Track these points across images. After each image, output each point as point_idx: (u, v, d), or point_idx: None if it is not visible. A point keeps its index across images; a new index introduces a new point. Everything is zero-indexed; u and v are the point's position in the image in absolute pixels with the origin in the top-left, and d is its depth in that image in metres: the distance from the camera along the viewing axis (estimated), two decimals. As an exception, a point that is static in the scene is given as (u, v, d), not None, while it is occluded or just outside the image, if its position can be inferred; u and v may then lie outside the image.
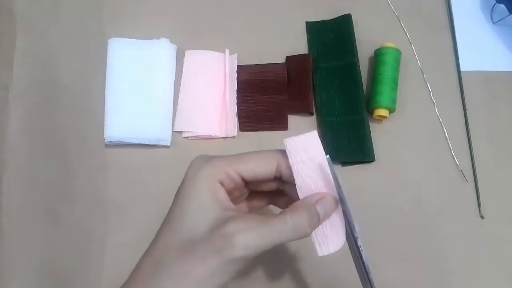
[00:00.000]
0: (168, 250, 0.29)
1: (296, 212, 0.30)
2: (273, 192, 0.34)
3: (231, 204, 0.31)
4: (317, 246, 0.31)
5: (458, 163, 0.47)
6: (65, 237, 0.44)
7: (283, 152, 0.31)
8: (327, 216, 0.31)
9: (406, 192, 0.46)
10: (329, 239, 0.31)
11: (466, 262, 0.44)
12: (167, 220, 0.31)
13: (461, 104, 0.49)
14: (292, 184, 0.31)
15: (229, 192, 0.31)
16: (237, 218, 0.29)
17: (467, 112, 0.49)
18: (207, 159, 0.32)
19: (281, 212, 0.30)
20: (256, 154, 0.32)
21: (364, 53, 0.50)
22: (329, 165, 0.31)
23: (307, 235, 0.30)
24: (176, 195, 0.32)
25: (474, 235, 0.45)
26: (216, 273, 0.28)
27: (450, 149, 0.48)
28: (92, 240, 0.44)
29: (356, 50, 0.49)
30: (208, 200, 0.30)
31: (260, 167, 0.31)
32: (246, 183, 0.32)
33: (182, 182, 0.32)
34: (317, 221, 0.30)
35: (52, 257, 0.44)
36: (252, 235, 0.28)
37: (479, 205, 0.46)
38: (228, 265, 0.28)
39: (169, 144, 0.47)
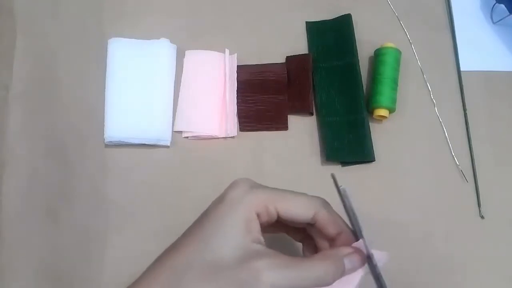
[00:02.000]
0: (191, 268, 0.28)
1: (325, 261, 0.30)
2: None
3: (261, 238, 0.30)
4: None
5: (458, 163, 0.47)
6: (65, 237, 0.44)
7: (324, 202, 0.32)
8: (352, 271, 0.31)
9: (406, 192, 0.46)
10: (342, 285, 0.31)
11: (466, 262, 0.44)
12: (194, 234, 0.30)
13: (461, 104, 0.49)
14: (322, 232, 0.32)
15: (264, 223, 0.31)
16: (267, 254, 0.29)
17: (467, 112, 0.49)
18: (252, 185, 0.31)
19: (310, 258, 0.31)
20: (299, 197, 0.32)
21: (364, 53, 0.50)
22: (344, 197, 0.31)
23: (328, 285, 0.30)
24: (210, 212, 0.31)
25: (474, 235, 0.45)
26: None
27: (450, 149, 0.48)
28: (92, 240, 0.44)
29: (356, 50, 0.49)
30: (242, 229, 0.29)
31: (299, 210, 0.31)
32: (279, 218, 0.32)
33: (221, 201, 0.31)
34: (341, 274, 0.30)
35: (52, 257, 0.44)
36: (280, 275, 0.28)
37: (479, 205, 0.46)
38: None
39: (169, 144, 0.47)
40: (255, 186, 0.31)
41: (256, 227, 0.30)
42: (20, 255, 0.44)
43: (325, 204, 0.32)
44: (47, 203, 0.45)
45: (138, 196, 0.46)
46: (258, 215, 0.30)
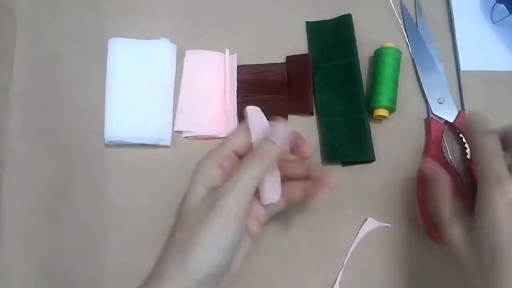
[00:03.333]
0: (181, 230, 0.35)
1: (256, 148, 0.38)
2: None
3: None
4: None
5: (456, 163, 0.47)
6: (65, 237, 0.44)
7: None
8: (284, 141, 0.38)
9: (406, 192, 0.46)
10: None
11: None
12: (179, 214, 0.37)
13: (460, 104, 0.49)
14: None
15: (233, 168, 0.37)
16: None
17: (466, 112, 0.49)
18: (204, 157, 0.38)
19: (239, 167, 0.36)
20: (239, 128, 0.40)
21: (364, 53, 0.50)
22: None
23: (276, 156, 0.37)
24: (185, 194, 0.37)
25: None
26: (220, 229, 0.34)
27: (448, 150, 0.48)
28: (92, 240, 0.44)
29: (356, 50, 0.49)
30: (204, 185, 0.36)
31: (243, 138, 0.38)
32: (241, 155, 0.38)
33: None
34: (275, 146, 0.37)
35: (52, 257, 0.44)
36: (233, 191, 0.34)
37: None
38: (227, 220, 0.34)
39: (169, 144, 0.47)
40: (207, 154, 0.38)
41: (216, 172, 0.37)
42: (20, 255, 0.44)
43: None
44: (47, 203, 0.45)
45: (138, 196, 0.46)
46: (219, 164, 0.37)
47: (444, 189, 0.40)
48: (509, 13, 0.50)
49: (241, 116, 0.48)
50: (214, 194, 0.35)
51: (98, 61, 0.49)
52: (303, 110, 0.48)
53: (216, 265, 0.33)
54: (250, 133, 0.38)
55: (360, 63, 0.49)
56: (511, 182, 0.35)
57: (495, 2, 0.52)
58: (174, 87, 0.49)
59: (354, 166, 0.47)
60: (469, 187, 0.46)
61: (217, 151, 0.38)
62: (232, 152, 0.38)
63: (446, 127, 0.48)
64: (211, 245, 0.33)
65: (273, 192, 0.38)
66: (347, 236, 0.45)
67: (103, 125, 0.47)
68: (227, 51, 0.50)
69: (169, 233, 0.37)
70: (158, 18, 0.52)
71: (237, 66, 0.49)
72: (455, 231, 0.37)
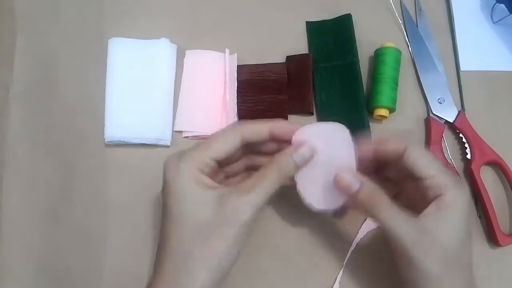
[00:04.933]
0: (184, 242, 0.33)
1: (274, 159, 0.36)
2: None
3: (215, 184, 0.35)
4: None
5: (455, 164, 0.47)
6: (65, 237, 0.44)
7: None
8: (303, 162, 0.36)
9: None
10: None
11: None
12: (170, 221, 0.34)
13: (460, 104, 0.49)
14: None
15: (211, 176, 0.35)
16: (230, 191, 0.34)
17: (466, 112, 0.49)
18: (180, 156, 0.35)
19: (259, 171, 0.35)
20: (220, 134, 0.36)
21: (364, 53, 0.50)
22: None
23: (292, 171, 0.36)
24: (166, 199, 0.35)
25: (474, 233, 0.45)
26: (233, 243, 0.32)
27: (448, 150, 0.48)
28: (92, 240, 0.44)
29: (356, 50, 0.49)
30: (199, 191, 0.34)
31: (226, 145, 0.35)
32: (220, 163, 0.36)
33: (167, 186, 0.35)
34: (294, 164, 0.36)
35: (52, 256, 0.44)
36: (248, 198, 0.33)
37: (477, 204, 0.46)
38: (241, 231, 0.32)
39: (169, 144, 0.47)
40: (183, 155, 0.35)
41: (207, 180, 0.34)
42: (20, 255, 0.44)
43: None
44: (47, 203, 0.45)
45: (138, 196, 0.46)
46: (202, 171, 0.34)
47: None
48: (509, 13, 0.50)
49: (241, 116, 0.49)
50: (225, 202, 0.33)
51: (98, 61, 0.49)
52: (303, 110, 0.48)
53: (226, 274, 0.33)
54: (237, 139, 0.36)
55: (360, 63, 0.49)
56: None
57: (495, 2, 0.52)
58: (174, 87, 0.49)
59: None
60: (470, 187, 0.46)
61: (198, 156, 0.35)
62: (213, 160, 0.35)
63: (446, 127, 0.48)
64: (224, 259, 0.32)
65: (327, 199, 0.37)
66: (347, 236, 0.45)
67: (103, 125, 0.47)
68: (227, 51, 0.50)
69: (161, 227, 0.35)
70: (158, 18, 0.52)
71: (237, 66, 0.49)
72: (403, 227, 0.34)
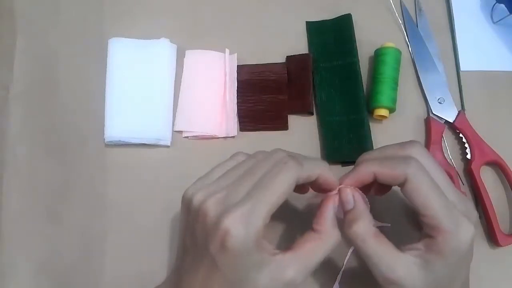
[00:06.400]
0: None
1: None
2: None
3: (276, 250, 0.32)
4: None
5: (455, 164, 0.47)
6: (65, 237, 0.44)
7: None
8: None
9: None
10: None
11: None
12: (217, 276, 0.31)
13: (460, 104, 0.49)
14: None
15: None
16: (289, 261, 0.32)
17: (466, 112, 0.49)
18: (244, 212, 0.30)
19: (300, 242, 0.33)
20: (277, 177, 0.32)
21: (364, 53, 0.50)
22: None
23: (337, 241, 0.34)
24: (219, 254, 0.30)
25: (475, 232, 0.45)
26: None
27: (448, 150, 0.48)
28: (92, 240, 0.44)
29: (356, 50, 0.49)
30: (261, 259, 0.31)
31: (284, 195, 0.32)
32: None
33: (226, 244, 0.29)
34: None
35: (52, 257, 0.44)
36: (306, 270, 0.32)
37: (477, 204, 0.46)
38: None
39: (169, 144, 0.47)
40: (249, 216, 0.30)
41: (267, 245, 0.32)
42: (20, 255, 0.44)
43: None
44: (47, 203, 0.45)
45: (138, 196, 0.46)
46: (263, 231, 0.31)
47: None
48: (509, 13, 0.50)
49: (241, 116, 0.49)
50: (284, 272, 0.31)
51: (98, 61, 0.49)
52: (303, 110, 0.49)
53: None
54: (293, 185, 0.33)
55: (360, 63, 0.49)
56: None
57: (495, 2, 0.52)
58: (174, 87, 0.49)
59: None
60: (470, 187, 0.46)
61: (264, 213, 0.31)
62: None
63: (446, 127, 0.48)
64: None
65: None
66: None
67: (103, 125, 0.47)
68: (227, 51, 0.50)
69: (195, 269, 0.32)
70: (158, 18, 0.52)
71: (237, 66, 0.49)
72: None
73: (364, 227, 0.33)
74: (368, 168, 0.35)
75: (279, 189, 0.31)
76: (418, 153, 0.34)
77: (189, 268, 0.33)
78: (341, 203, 0.35)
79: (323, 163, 0.36)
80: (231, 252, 0.29)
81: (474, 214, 0.34)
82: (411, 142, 0.35)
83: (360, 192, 0.36)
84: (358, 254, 0.34)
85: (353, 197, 0.35)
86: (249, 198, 0.31)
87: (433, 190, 0.32)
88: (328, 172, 0.35)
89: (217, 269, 0.30)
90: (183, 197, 0.35)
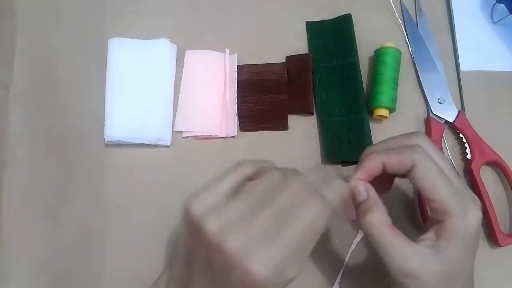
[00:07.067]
0: None
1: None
2: None
3: None
4: None
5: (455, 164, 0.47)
6: (65, 237, 0.44)
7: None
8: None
9: (406, 191, 0.46)
10: None
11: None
12: None
13: (460, 104, 0.49)
14: None
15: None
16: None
17: (466, 112, 0.49)
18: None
19: None
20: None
21: (364, 53, 0.50)
22: None
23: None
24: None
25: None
26: None
27: (448, 150, 0.48)
28: (92, 240, 0.44)
29: (356, 50, 0.49)
30: None
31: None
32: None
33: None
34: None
35: (52, 257, 0.44)
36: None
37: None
38: None
39: (169, 144, 0.47)
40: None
41: None
42: (20, 255, 0.44)
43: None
44: (47, 203, 0.45)
45: (138, 196, 0.46)
46: None
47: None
48: (509, 13, 0.50)
49: (241, 116, 0.49)
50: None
51: (98, 61, 0.49)
52: (303, 110, 0.49)
53: None
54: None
55: (360, 63, 0.49)
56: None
57: (495, 2, 0.52)
58: (174, 87, 0.49)
59: (354, 166, 0.47)
60: (470, 187, 0.46)
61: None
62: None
63: (446, 127, 0.48)
64: None
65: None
66: (347, 236, 0.45)
67: (103, 125, 0.47)
68: (227, 51, 0.50)
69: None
70: (158, 18, 0.52)
71: (237, 66, 0.49)
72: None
73: (379, 217, 0.33)
74: (376, 159, 0.35)
75: (311, 237, 0.29)
76: (423, 141, 0.34)
77: None
78: (354, 196, 0.35)
79: (338, 182, 0.34)
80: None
81: (478, 200, 0.34)
82: (415, 132, 0.36)
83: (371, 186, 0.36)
84: (370, 245, 0.33)
85: (366, 189, 0.35)
86: (278, 243, 0.28)
87: (440, 175, 0.32)
88: (345, 187, 0.34)
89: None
90: (186, 212, 0.30)
